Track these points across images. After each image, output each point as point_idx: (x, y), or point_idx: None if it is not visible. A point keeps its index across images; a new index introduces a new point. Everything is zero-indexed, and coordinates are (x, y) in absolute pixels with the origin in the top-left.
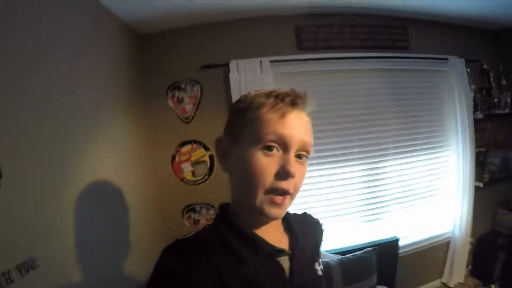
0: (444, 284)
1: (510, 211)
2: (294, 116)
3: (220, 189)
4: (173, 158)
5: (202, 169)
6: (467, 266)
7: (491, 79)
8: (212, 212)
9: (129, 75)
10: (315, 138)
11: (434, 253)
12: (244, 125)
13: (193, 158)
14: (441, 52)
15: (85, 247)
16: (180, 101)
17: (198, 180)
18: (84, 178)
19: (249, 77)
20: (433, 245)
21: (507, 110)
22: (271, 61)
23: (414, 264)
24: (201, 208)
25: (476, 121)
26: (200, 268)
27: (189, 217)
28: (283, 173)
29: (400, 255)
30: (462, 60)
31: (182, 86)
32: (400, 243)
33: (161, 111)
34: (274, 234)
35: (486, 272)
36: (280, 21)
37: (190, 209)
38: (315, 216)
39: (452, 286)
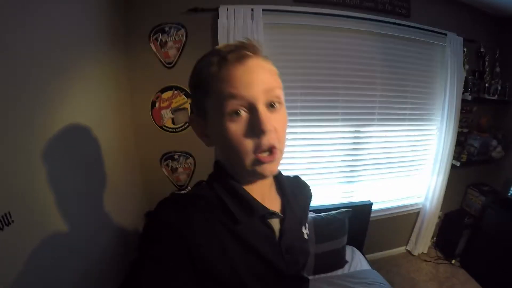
0: (408, 251)
1: (480, 193)
2: (244, 71)
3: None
4: (153, 104)
5: (182, 117)
6: (432, 238)
7: (486, 63)
8: (190, 160)
9: (111, 14)
10: (303, 93)
11: (403, 222)
12: (203, 100)
13: (173, 105)
14: (441, 27)
15: (61, 198)
16: (163, 45)
17: (177, 128)
18: (61, 125)
19: (238, 24)
20: (404, 214)
21: (496, 97)
22: (263, 10)
23: (383, 230)
24: (179, 156)
25: (463, 102)
26: (196, 222)
27: (167, 165)
28: (258, 131)
29: (371, 220)
30: (461, 39)
31: (167, 29)
32: (373, 208)
33: (144, 54)
34: (267, 194)
35: (449, 247)
36: None
37: (168, 157)
38: (305, 180)
39: (415, 254)
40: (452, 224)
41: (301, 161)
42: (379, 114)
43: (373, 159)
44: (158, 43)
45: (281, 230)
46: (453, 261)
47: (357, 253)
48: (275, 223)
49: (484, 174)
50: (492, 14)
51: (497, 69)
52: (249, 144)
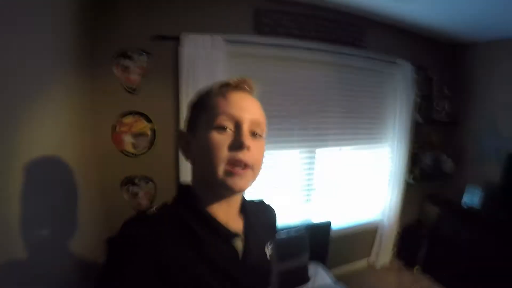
0: (372, 264)
1: (435, 204)
2: (239, 97)
3: (159, 163)
4: (114, 128)
5: (143, 142)
6: (393, 249)
7: (435, 87)
8: (151, 185)
9: (78, 37)
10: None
11: (363, 237)
12: (198, 116)
13: (134, 129)
14: (393, 56)
15: (22, 223)
16: (126, 70)
17: (137, 153)
18: (20, 149)
19: (200, 53)
20: (363, 230)
21: (444, 118)
22: (226, 40)
23: (345, 245)
24: (140, 180)
25: (415, 124)
26: (161, 238)
27: (128, 189)
28: (237, 144)
29: (333, 236)
30: (411, 66)
31: (130, 54)
32: (334, 225)
33: (107, 78)
34: (231, 216)
35: (410, 256)
36: (240, 1)
37: (128, 181)
38: (268, 203)
39: (378, 267)
40: (411, 235)
41: (262, 183)
42: (334, 138)
43: (330, 180)
44: (121, 68)
45: (244, 250)
46: (415, 269)
47: (321, 269)
48: (239, 244)
49: (438, 187)
50: (442, 42)
51: (446, 92)
52: (226, 154)
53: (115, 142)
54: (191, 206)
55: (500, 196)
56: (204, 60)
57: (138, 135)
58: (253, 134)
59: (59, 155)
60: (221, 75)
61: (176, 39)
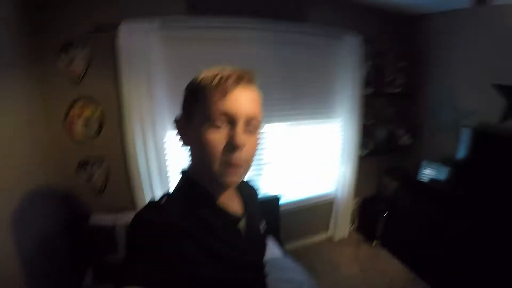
0: (329, 238)
1: (393, 178)
2: (237, 93)
3: (111, 145)
4: (65, 117)
5: (93, 127)
6: (352, 224)
7: (388, 59)
8: (105, 165)
9: (19, 35)
10: None
11: (319, 210)
12: (194, 105)
13: (84, 115)
14: (340, 29)
15: None
16: (69, 62)
17: (89, 137)
18: None
19: (137, 39)
20: (318, 203)
21: (398, 90)
22: (161, 26)
23: (299, 219)
24: (93, 163)
25: (366, 96)
26: (173, 223)
27: (83, 172)
28: (231, 146)
29: (286, 211)
30: (358, 39)
31: (73, 46)
32: (286, 200)
33: (53, 71)
34: (231, 199)
35: (368, 230)
36: None
37: (83, 164)
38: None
39: (336, 240)
40: (369, 209)
41: None
42: (280, 113)
43: (279, 155)
44: (66, 60)
45: (246, 228)
46: (373, 243)
47: (272, 243)
48: (241, 224)
49: (396, 161)
50: (396, 14)
51: (401, 64)
52: (219, 153)
53: (67, 129)
54: (196, 194)
55: (459, 170)
56: (141, 46)
57: (88, 120)
58: (248, 130)
59: (14, 146)
60: (160, 60)
61: (113, 28)
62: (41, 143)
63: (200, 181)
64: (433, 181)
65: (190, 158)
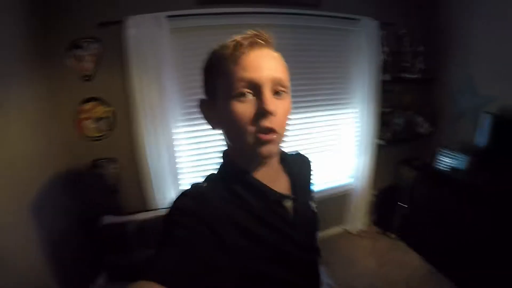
0: (346, 230)
1: (411, 168)
2: (256, 56)
3: (123, 143)
4: (76, 115)
5: (104, 125)
6: (369, 215)
7: (407, 44)
8: (116, 165)
9: (28, 35)
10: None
11: (336, 202)
12: (214, 82)
13: (94, 115)
14: (355, 11)
15: None
16: (79, 59)
17: (101, 136)
18: None
19: (146, 33)
20: (333, 195)
21: (417, 75)
22: (168, 16)
23: (318, 211)
24: (105, 163)
25: (384, 83)
26: (213, 206)
27: (95, 171)
28: (261, 112)
29: None
30: (375, 22)
31: (81, 44)
32: None
33: (62, 70)
34: (275, 176)
35: (386, 222)
36: None
37: (94, 164)
38: (304, 154)
39: (353, 232)
40: (386, 200)
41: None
42: (293, 101)
43: (295, 145)
44: (75, 58)
45: (294, 209)
46: (392, 235)
47: None
48: (288, 204)
49: (414, 150)
50: None
51: (421, 48)
52: (250, 122)
53: (77, 129)
54: (236, 174)
55: (480, 159)
56: (150, 39)
57: (99, 119)
58: (277, 93)
59: (26, 147)
60: (168, 53)
61: (120, 23)
62: (53, 142)
63: (236, 159)
64: (453, 170)
65: (225, 139)
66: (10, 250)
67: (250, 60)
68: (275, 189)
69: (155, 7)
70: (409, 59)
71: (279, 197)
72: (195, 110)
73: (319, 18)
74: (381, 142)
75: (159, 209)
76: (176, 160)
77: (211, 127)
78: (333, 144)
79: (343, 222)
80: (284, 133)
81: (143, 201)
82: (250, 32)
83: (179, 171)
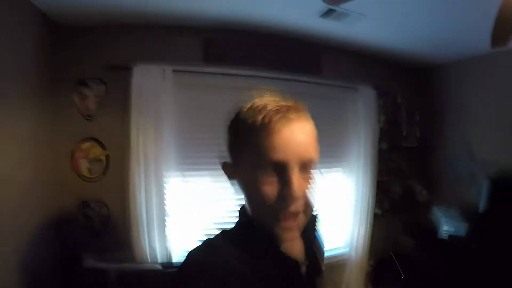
0: None
1: (410, 237)
2: (286, 135)
3: (114, 188)
4: (72, 153)
5: (98, 167)
6: (366, 286)
7: (403, 113)
8: (105, 210)
9: (39, 65)
10: (199, 149)
11: (331, 271)
12: (240, 148)
13: (90, 156)
14: (353, 81)
15: None
16: (84, 98)
17: (93, 178)
18: None
19: (150, 83)
20: (329, 264)
21: (414, 144)
22: (175, 71)
23: None
24: (94, 205)
25: (381, 151)
26: (225, 267)
27: (83, 212)
28: (284, 197)
29: None
30: (373, 91)
31: (88, 83)
32: None
33: (66, 105)
34: (292, 240)
35: None
36: (190, 31)
37: (84, 205)
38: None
39: None
40: (384, 270)
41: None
42: None
43: None
44: (80, 96)
45: (307, 273)
46: None
47: None
48: (303, 268)
49: (413, 218)
50: (410, 66)
51: (417, 117)
52: (273, 204)
53: (73, 166)
54: (252, 234)
55: (481, 224)
56: (154, 90)
57: (94, 160)
58: (304, 168)
59: (18, 175)
60: (171, 105)
61: (129, 70)
62: (45, 174)
63: (259, 224)
64: (452, 237)
65: (245, 201)
66: None
67: (279, 139)
68: (291, 253)
69: (163, 59)
70: (406, 128)
71: (297, 264)
72: (189, 165)
73: (319, 86)
74: (379, 211)
75: (144, 262)
76: (166, 212)
77: (233, 189)
78: (330, 212)
79: None
80: (311, 209)
81: (128, 249)
82: (282, 103)
83: (168, 223)
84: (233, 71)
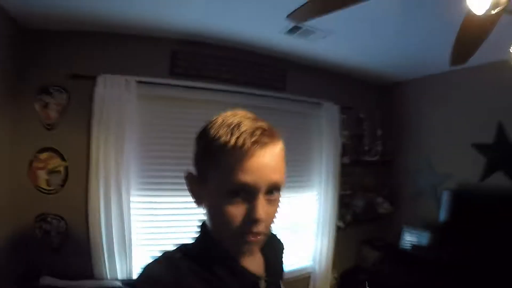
0: None
1: (373, 248)
2: (258, 158)
3: (72, 202)
4: (30, 163)
5: (57, 179)
6: None
7: (365, 128)
8: (63, 224)
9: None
10: (175, 163)
11: (296, 285)
12: (208, 166)
13: (49, 167)
14: (318, 97)
15: None
16: (45, 106)
17: (51, 190)
18: None
19: (114, 94)
20: (294, 279)
21: (376, 158)
22: (139, 82)
23: None
24: (52, 219)
25: (344, 166)
26: (183, 282)
27: (40, 226)
28: (250, 220)
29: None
30: (336, 107)
31: (50, 90)
32: None
33: (26, 113)
34: (251, 257)
35: None
36: (157, 43)
37: (41, 218)
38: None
39: None
40: (349, 283)
41: (166, 231)
42: None
43: None
44: (41, 104)
45: None
46: None
47: None
48: (262, 284)
49: (376, 230)
50: (372, 82)
51: (379, 132)
52: (237, 226)
53: (30, 177)
54: (213, 250)
55: (441, 235)
56: (116, 101)
57: (52, 172)
58: (270, 192)
59: None
60: (134, 117)
61: (92, 79)
62: (3, 186)
63: (219, 240)
64: (415, 248)
65: (207, 216)
66: None
67: (251, 162)
68: (251, 269)
69: (128, 70)
70: (368, 142)
71: (256, 279)
72: (151, 180)
73: (284, 101)
74: (341, 224)
75: (104, 279)
76: (127, 227)
77: (194, 202)
78: (293, 226)
79: None
80: (270, 230)
81: (88, 264)
82: (257, 124)
83: (129, 239)
84: (199, 85)
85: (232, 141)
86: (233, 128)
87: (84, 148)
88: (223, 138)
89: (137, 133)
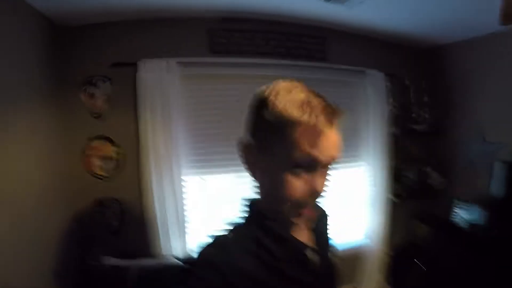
0: None
1: (425, 224)
2: (328, 136)
3: (126, 185)
4: (83, 151)
5: (110, 164)
6: (382, 274)
7: (411, 95)
8: (120, 208)
9: (44, 67)
10: (210, 141)
11: (349, 262)
12: (273, 138)
13: (101, 153)
14: (360, 64)
15: None
16: (91, 96)
17: (106, 175)
18: None
19: (156, 77)
20: (348, 254)
21: (424, 127)
22: (180, 63)
23: None
24: (109, 203)
25: (393, 136)
26: (236, 262)
27: (98, 210)
28: (311, 194)
29: None
30: (381, 74)
31: (94, 81)
32: None
33: (74, 105)
34: (299, 229)
35: (402, 282)
36: (193, 23)
37: (100, 203)
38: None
39: None
40: (402, 259)
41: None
42: None
43: None
44: (88, 94)
45: (317, 261)
46: None
47: None
48: (312, 254)
49: (427, 204)
50: (414, 46)
51: (425, 99)
52: (297, 198)
53: (85, 164)
54: (263, 225)
55: (498, 210)
56: (159, 83)
57: (105, 158)
58: (327, 168)
59: (30, 175)
60: (177, 97)
61: (133, 65)
62: (59, 176)
63: (266, 211)
64: (468, 223)
65: (258, 190)
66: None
67: (322, 139)
68: (304, 241)
69: (169, 53)
70: (417, 112)
71: (304, 247)
72: (200, 157)
73: (325, 70)
74: (394, 198)
75: (164, 258)
76: (182, 207)
77: (248, 172)
78: (345, 202)
79: (357, 282)
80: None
81: (146, 245)
82: (326, 106)
83: (185, 218)
84: (238, 60)
85: (305, 118)
86: (303, 105)
87: (133, 132)
88: (295, 114)
89: (182, 113)
